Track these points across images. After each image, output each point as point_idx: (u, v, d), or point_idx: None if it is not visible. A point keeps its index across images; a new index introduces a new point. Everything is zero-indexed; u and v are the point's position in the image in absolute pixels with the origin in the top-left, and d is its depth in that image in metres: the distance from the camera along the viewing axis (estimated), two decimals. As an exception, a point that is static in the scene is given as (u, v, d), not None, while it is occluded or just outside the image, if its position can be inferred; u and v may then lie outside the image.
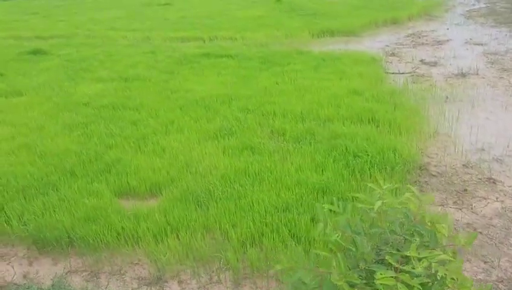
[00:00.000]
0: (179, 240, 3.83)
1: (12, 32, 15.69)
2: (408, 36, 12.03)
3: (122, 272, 3.66)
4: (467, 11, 15.30)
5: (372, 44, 11.42)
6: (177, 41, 12.95)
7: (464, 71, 8.41)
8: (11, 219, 4.21)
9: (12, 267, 3.83)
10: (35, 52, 11.77)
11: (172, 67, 9.63)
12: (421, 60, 9.48)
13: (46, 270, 3.76)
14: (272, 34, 12.75)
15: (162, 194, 4.65)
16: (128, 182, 4.81)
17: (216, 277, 3.51)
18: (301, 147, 5.30)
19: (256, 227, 3.84)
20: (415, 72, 8.70)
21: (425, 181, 4.69)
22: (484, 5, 16.10)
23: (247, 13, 16.64)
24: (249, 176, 4.73)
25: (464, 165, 5.02)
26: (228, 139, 5.73)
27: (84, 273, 3.68)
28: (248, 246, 3.70)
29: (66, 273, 3.69)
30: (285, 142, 5.53)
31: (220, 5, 19.70)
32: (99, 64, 10.28)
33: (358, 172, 4.61)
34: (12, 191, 4.64)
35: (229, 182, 4.62)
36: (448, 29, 12.58)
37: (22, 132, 6.39)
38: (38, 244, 3.95)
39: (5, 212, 4.30)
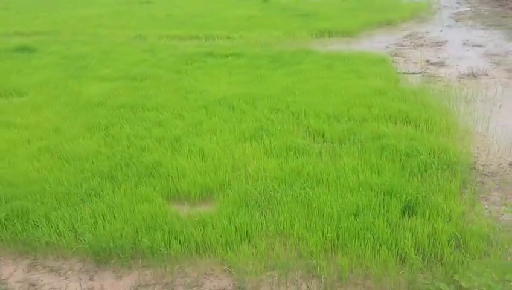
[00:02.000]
0: (255, 247, 3.61)
1: (4, 29, 14.73)
2: (405, 37, 12.21)
3: (199, 284, 3.40)
4: (454, 13, 15.73)
5: (372, 44, 11.50)
6: (172, 39, 12.54)
7: (474, 72, 8.58)
8: (60, 228, 3.83)
9: (70, 282, 3.47)
10: (22, 49, 11.08)
11: (178, 66, 9.29)
12: (427, 61, 9.61)
13: (111, 285, 3.43)
14: (270, 34, 12.59)
15: (215, 198, 4.41)
16: (176, 187, 4.52)
17: (304, 285, 3.31)
18: (348, 147, 5.18)
19: (334, 232, 3.68)
20: (425, 72, 8.80)
21: (480, 181, 4.68)
22: (468, 9, 16.62)
23: (237, 12, 16.40)
24: (304, 178, 4.56)
25: (510, 163, 5.06)
26: (266, 140, 5.52)
27: (157, 287, 3.38)
28: (330, 252, 3.53)
29: (137, 288, 3.38)
30: (328, 143, 5.39)
31: (204, 4, 19.34)
32: (98, 62, 9.77)
33: (418, 173, 4.54)
34: (52, 199, 4.24)
35: (286, 184, 4.44)
36: (441, 31, 12.87)
37: (37, 135, 5.92)
38: (98, 256, 3.61)
39: (51, 221, 3.91)
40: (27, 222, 3.91)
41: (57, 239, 3.76)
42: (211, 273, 3.49)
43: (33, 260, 3.70)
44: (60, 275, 3.54)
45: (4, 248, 3.79)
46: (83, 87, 7.94)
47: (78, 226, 3.84)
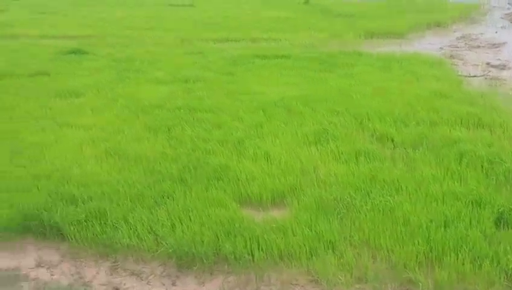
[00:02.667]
0: (342, 257, 3.44)
1: (36, 31, 15.22)
2: (459, 39, 11.76)
3: (285, 293, 3.28)
4: (506, 14, 15.08)
5: (424, 46, 11.13)
6: (217, 42, 12.54)
7: (541, 75, 8.13)
8: (139, 231, 3.80)
9: (153, 287, 3.42)
10: (75, 51, 11.32)
11: (229, 69, 9.24)
12: (488, 63, 9.19)
13: (195, 291, 3.36)
14: (315, 36, 12.42)
15: (287, 203, 4.28)
16: (247, 190, 4.42)
17: (401, 300, 3.13)
18: (423, 153, 4.94)
19: (426, 244, 3.47)
20: (487, 75, 8.40)
21: None
22: (520, 9, 15.95)
23: (277, 15, 16.28)
24: (380, 185, 4.36)
25: None
26: (332, 143, 5.35)
27: (243, 295, 3.28)
28: (425, 265, 3.32)
29: (222, 295, 3.29)
30: (399, 148, 5.17)
31: (244, 7, 19.35)
32: (149, 65, 9.84)
33: (505, 182, 4.25)
34: (127, 201, 4.23)
35: (362, 191, 4.25)
36: (496, 32, 12.32)
37: (101, 136, 5.96)
38: (180, 260, 3.54)
39: (130, 223, 3.88)
40: (106, 223, 3.89)
41: (137, 242, 3.72)
42: (296, 283, 3.36)
43: (113, 262, 3.68)
44: (142, 279, 3.49)
45: (85, 249, 3.79)
46: (139, 90, 8.00)
47: (158, 229, 3.78)
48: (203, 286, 3.40)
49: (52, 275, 3.57)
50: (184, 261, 3.54)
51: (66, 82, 8.65)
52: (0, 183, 4.67)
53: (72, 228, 3.88)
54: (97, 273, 3.57)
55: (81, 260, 3.72)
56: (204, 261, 3.49)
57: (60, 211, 4.02)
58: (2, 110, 7.01)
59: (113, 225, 3.88)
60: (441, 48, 10.79)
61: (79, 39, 13.89)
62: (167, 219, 3.93)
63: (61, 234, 3.94)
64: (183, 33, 13.68)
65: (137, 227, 3.84)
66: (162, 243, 3.67)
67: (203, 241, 3.60)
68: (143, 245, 3.72)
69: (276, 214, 4.13)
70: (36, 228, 3.99)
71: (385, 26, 12.94)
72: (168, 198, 4.30)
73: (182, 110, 6.75)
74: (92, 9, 20.43)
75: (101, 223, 3.90)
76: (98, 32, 14.68)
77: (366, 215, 3.86)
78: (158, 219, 3.94)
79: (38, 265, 3.69)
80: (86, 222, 3.92)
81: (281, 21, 14.75)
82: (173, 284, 3.44)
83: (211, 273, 3.49)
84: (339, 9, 16.66)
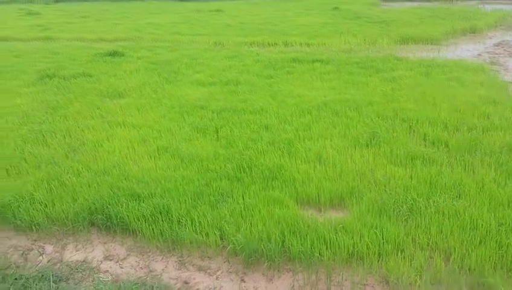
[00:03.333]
0: (412, 260, 3.41)
1: (72, 35, 15.65)
2: (496, 46, 11.57)
3: (356, 293, 3.26)
4: (544, 21, 14.79)
5: (462, 52, 10.98)
6: (250, 45, 12.67)
7: None
8: (205, 227, 3.84)
9: (224, 282, 3.45)
10: (112, 54, 11.57)
11: (267, 72, 9.29)
12: (531, 70, 9.00)
13: (265, 288, 3.37)
14: (349, 41, 12.42)
15: (347, 205, 4.26)
16: (305, 191, 4.43)
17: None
18: (481, 158, 4.86)
19: (498, 248, 3.41)
20: (533, 81, 8.22)
21: None
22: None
23: (309, 20, 16.37)
24: (441, 189, 4.31)
25: None
26: (385, 147, 5.32)
27: (314, 293, 3.28)
28: (501, 270, 3.26)
29: (293, 293, 3.30)
30: (455, 152, 5.09)
31: (274, 12, 19.49)
32: (187, 67, 10.00)
33: None
34: (188, 198, 4.28)
35: (423, 195, 4.20)
36: (536, 39, 12.07)
37: (152, 135, 6.07)
38: (249, 257, 3.56)
39: (194, 220, 3.93)
40: (171, 219, 3.95)
41: (202, 238, 3.77)
42: (366, 283, 3.34)
43: (180, 257, 3.73)
44: (210, 275, 3.53)
45: (152, 244, 3.85)
46: (181, 91, 8.12)
47: (223, 226, 3.82)
48: (272, 283, 3.41)
49: (121, 267, 3.64)
50: (251, 258, 3.56)
51: (109, 83, 8.85)
52: (60, 178, 4.79)
53: (138, 223, 3.95)
54: (166, 267, 3.62)
55: (148, 254, 3.78)
56: (275, 258, 3.49)
57: (125, 206, 4.10)
58: (55, 110, 7.22)
59: (178, 221, 3.94)
60: (479, 55, 10.62)
61: (113, 42, 14.25)
62: (230, 216, 3.97)
63: (126, 228, 4.02)
64: (215, 37, 13.85)
65: (202, 224, 3.88)
66: (229, 240, 3.69)
67: (270, 239, 3.62)
68: (208, 241, 3.76)
69: (338, 215, 4.12)
70: (101, 222, 4.08)
71: (419, 32, 12.82)
72: (227, 196, 4.35)
73: (226, 112, 6.83)
74: (122, 15, 20.88)
75: (166, 218, 3.96)
76: (131, 36, 14.99)
77: (431, 219, 3.82)
78: (221, 216, 3.98)
79: (106, 258, 3.77)
80: (152, 217, 3.99)
81: (313, 26, 14.80)
82: (242, 280, 3.46)
83: (279, 271, 3.50)
84: (370, 16, 16.63)
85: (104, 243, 3.97)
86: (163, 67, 10.01)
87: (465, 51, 11.20)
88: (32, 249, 3.87)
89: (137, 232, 3.93)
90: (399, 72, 8.69)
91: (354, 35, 12.91)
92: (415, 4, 21.23)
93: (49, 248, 3.90)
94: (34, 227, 4.10)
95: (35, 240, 4.04)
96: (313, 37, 13.16)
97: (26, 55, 12.12)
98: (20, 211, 4.21)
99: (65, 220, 4.11)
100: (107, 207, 4.14)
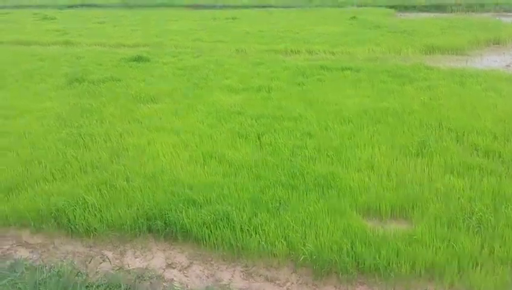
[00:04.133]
0: (493, 275, 3.27)
1: (92, 40, 15.67)
2: (524, 56, 11.47)
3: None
4: None
5: (490, 63, 10.89)
6: (274, 53, 12.58)
7: None
8: (270, 236, 3.72)
9: (293, 294, 3.32)
10: (137, 59, 11.53)
11: (297, 79, 9.20)
12: None
13: (340, 301, 3.24)
14: (373, 49, 12.35)
15: (410, 216, 4.14)
16: (365, 201, 4.31)
17: None
18: (542, 169, 4.74)
19: None
20: None
21: None
22: None
23: (328, 29, 16.31)
24: (508, 200, 4.17)
25: None
26: (437, 156, 5.20)
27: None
28: None
29: (372, 306, 3.16)
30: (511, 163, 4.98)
31: (291, 21, 19.47)
32: (214, 73, 9.92)
33: None
34: (245, 205, 4.16)
35: (490, 206, 4.07)
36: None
37: (193, 140, 5.97)
38: (319, 268, 3.43)
39: (257, 228, 3.81)
40: (233, 227, 3.83)
41: (268, 247, 3.64)
42: (444, 298, 3.21)
43: (245, 266, 3.60)
44: (280, 286, 3.40)
45: (214, 252, 3.73)
46: (213, 97, 8.04)
47: (289, 235, 3.70)
48: (346, 295, 3.28)
49: (186, 276, 3.52)
50: (321, 270, 3.43)
51: (139, 87, 8.78)
52: (110, 183, 4.69)
53: (200, 230, 3.83)
54: (232, 277, 3.50)
55: (211, 262, 3.66)
56: (348, 271, 3.37)
57: (184, 213, 3.99)
58: (90, 113, 7.15)
59: (241, 229, 3.82)
60: (507, 66, 10.52)
61: (134, 48, 14.22)
62: (294, 225, 3.85)
63: (187, 235, 3.90)
64: (236, 44, 13.80)
65: (267, 232, 3.76)
66: (298, 250, 3.57)
67: (341, 250, 3.49)
68: (275, 251, 3.64)
69: (402, 226, 3.99)
70: (160, 228, 3.97)
71: (443, 42, 12.73)
72: (286, 204, 4.23)
73: (265, 118, 6.73)
74: (139, 22, 20.92)
75: (229, 226, 3.84)
76: (151, 42, 14.99)
77: (503, 231, 3.68)
78: (284, 225, 3.86)
79: (169, 266, 3.65)
80: (213, 224, 3.87)
81: (333, 35, 14.74)
82: (314, 292, 3.33)
83: (352, 284, 3.37)
84: (390, 25, 16.58)
85: (164, 250, 3.85)
86: (191, 73, 9.95)
87: (492, 61, 11.10)
88: (93, 256, 3.75)
89: (200, 240, 3.81)
90: (432, 81, 8.59)
91: (377, 44, 12.83)
92: (432, 15, 21.20)
93: (108, 255, 3.79)
94: (90, 233, 3.98)
95: (91, 246, 3.93)
96: (335, 45, 13.10)
97: (49, 59, 12.12)
98: (75, 216, 4.10)
99: (123, 226, 4.00)
100: (166, 213, 4.02)
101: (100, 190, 4.54)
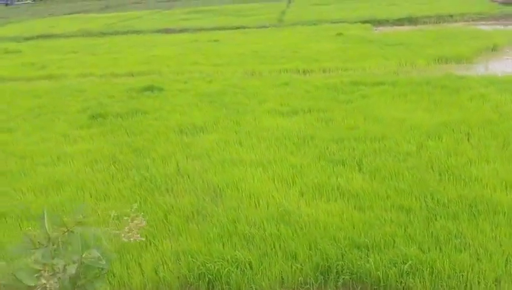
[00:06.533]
0: None
1: (80, 70, 14.48)
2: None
3: None
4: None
5: (507, 68, 11.08)
6: (289, 73, 12.14)
7: None
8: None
9: None
10: (150, 88, 10.60)
11: (339, 97, 8.75)
12: None
13: None
14: (384, 64, 12.26)
15: None
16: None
17: None
18: None
19: None
20: None
21: None
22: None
23: (323, 46, 16.06)
24: None
25: None
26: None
27: None
28: None
29: None
30: None
31: (277, 41, 19.19)
32: (245, 98, 9.25)
33: None
34: (425, 246, 3.57)
35: None
36: None
37: (287, 172, 5.32)
38: None
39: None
40: (440, 276, 3.21)
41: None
42: None
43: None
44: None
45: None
46: (265, 122, 7.40)
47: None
48: None
49: None
50: None
51: (175, 119, 7.95)
52: (237, 231, 3.92)
53: (400, 281, 3.18)
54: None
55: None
56: None
57: (370, 261, 3.33)
58: (145, 152, 6.26)
59: (448, 277, 3.21)
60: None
61: (130, 77, 13.25)
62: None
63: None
64: (239, 66, 13.24)
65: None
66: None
67: None
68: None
69: None
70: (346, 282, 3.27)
71: (446, 52, 12.94)
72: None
73: (346, 141, 6.20)
74: (114, 50, 19.78)
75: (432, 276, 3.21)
76: (145, 69, 14.04)
77: None
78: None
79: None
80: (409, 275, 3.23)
81: (334, 52, 14.58)
82: None
83: None
84: (379, 39, 16.72)
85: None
86: (220, 99, 9.22)
87: (506, 66, 11.34)
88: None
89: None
90: (478, 89, 8.50)
91: (386, 58, 12.80)
92: (407, 28, 21.83)
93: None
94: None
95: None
96: (344, 61, 12.91)
97: (46, 95, 10.87)
98: (231, 281, 3.30)
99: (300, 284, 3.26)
100: (345, 263, 3.34)
101: (232, 241, 3.76)
